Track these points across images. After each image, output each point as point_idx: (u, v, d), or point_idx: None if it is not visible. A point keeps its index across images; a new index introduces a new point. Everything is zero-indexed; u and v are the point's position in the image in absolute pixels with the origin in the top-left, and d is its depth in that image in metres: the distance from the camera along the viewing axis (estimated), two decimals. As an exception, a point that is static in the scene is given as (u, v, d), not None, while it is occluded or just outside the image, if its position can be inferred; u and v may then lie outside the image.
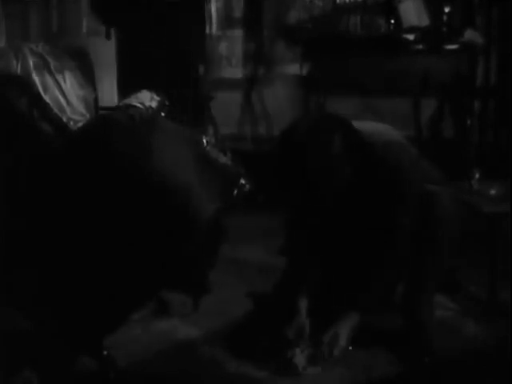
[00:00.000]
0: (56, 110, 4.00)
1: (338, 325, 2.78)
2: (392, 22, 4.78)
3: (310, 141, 2.62)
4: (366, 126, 2.85)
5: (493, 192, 3.34)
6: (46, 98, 3.99)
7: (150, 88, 3.53)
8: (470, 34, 4.68)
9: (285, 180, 2.75)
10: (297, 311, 2.86)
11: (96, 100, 4.33)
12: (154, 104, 3.40)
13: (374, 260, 2.78)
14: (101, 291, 2.65)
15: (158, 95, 3.49)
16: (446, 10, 4.78)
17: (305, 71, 4.85)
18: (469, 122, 4.69)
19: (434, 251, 2.78)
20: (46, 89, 4.01)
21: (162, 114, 3.42)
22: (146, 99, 3.41)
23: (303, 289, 2.91)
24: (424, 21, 4.76)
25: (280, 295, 3.01)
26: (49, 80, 4.05)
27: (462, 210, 3.02)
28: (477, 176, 3.43)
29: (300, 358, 2.70)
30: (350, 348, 2.78)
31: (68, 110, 4.07)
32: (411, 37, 4.66)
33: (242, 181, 3.01)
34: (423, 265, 2.79)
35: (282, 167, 2.73)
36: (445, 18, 4.77)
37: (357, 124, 2.78)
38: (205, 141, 3.06)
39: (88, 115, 4.14)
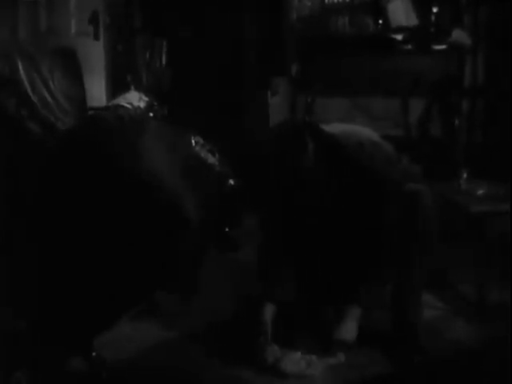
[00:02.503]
0: (44, 110, 3.99)
1: (346, 321, 2.81)
2: (380, 22, 4.79)
3: (281, 149, 2.65)
4: (337, 128, 2.86)
5: (480, 192, 3.35)
6: (35, 98, 3.98)
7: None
8: (457, 34, 4.69)
9: (263, 188, 2.77)
10: (261, 317, 2.87)
11: (84, 100, 4.32)
12: (142, 104, 3.39)
13: (367, 256, 2.80)
14: (93, 291, 2.65)
15: (146, 95, 3.49)
16: (434, 10, 4.79)
17: (294, 71, 4.86)
18: (457, 121, 4.70)
19: (418, 250, 2.79)
20: (34, 88, 4.00)
21: (151, 115, 3.41)
22: (135, 99, 3.40)
23: (269, 295, 2.92)
24: (412, 21, 4.77)
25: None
26: (37, 80, 4.04)
27: (443, 207, 3.03)
28: (464, 176, 3.44)
29: (287, 362, 2.72)
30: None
31: (56, 109, 4.06)
32: (399, 37, 4.68)
33: (231, 181, 3.01)
34: (409, 264, 2.80)
35: (259, 176, 2.75)
36: (433, 18, 4.79)
37: (328, 127, 2.80)
38: (193, 141, 3.06)
39: (76, 115, 4.13)
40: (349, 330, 2.81)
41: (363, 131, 2.94)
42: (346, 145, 2.75)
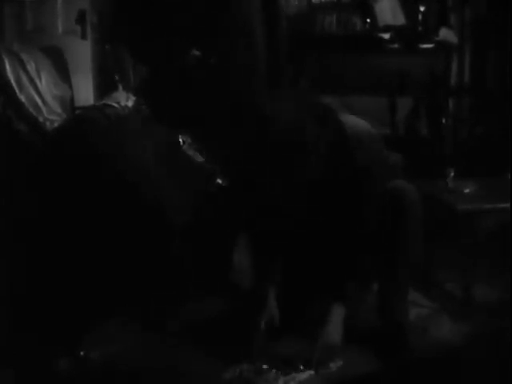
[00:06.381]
0: (32, 110, 3.99)
1: (329, 323, 2.79)
2: (368, 21, 4.81)
3: (302, 136, 2.55)
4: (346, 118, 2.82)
5: (467, 190, 3.36)
6: (22, 98, 3.98)
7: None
8: (444, 33, 4.72)
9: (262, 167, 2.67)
10: (266, 302, 2.83)
11: (72, 99, 4.32)
12: (130, 103, 3.39)
13: (353, 254, 2.79)
14: (80, 290, 2.65)
15: (134, 95, 3.49)
16: (421, 9, 4.82)
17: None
18: (443, 120, 4.72)
19: (403, 248, 2.79)
20: (21, 88, 4.00)
21: (138, 114, 3.41)
22: (122, 99, 3.40)
23: (269, 280, 2.90)
24: (399, 20, 4.79)
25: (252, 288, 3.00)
26: (24, 79, 4.03)
27: (430, 206, 3.03)
28: (451, 174, 3.45)
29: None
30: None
31: (44, 109, 4.06)
32: (387, 36, 4.69)
33: (218, 179, 3.02)
34: (394, 262, 2.80)
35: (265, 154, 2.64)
36: (420, 17, 4.81)
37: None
38: (181, 140, 3.07)
39: (64, 115, 4.13)
40: (332, 332, 2.76)
41: (361, 123, 2.88)
42: (348, 138, 2.69)
